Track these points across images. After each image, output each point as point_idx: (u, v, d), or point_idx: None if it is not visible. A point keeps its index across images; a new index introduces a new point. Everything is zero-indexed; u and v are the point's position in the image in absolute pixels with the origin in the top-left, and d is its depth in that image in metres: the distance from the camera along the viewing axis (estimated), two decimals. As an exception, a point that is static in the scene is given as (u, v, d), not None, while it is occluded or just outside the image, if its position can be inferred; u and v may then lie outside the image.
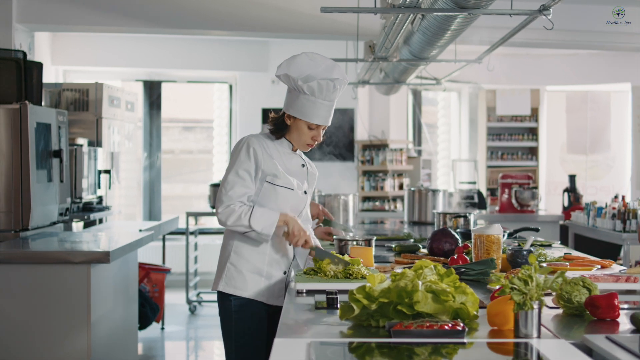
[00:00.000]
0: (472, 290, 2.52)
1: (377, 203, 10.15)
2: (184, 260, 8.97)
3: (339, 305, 2.78)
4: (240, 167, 3.48)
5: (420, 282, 2.44)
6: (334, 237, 4.22)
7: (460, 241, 4.19)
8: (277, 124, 3.57)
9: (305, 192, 3.63)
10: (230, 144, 11.07)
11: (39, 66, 5.91)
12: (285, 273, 3.60)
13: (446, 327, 2.29)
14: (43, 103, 6.06)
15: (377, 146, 10.45)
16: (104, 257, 4.51)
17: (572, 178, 9.44)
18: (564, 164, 12.00)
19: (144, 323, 6.88)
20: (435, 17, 4.87)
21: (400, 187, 10.25)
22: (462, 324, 2.33)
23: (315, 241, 3.55)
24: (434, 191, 6.83)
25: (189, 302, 8.75)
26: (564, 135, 12.07)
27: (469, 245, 3.98)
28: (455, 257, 3.68)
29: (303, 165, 3.65)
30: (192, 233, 9.03)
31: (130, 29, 8.24)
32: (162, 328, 7.83)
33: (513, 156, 11.47)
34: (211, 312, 8.80)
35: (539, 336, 2.32)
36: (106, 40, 10.23)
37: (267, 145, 3.53)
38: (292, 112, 3.50)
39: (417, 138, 11.54)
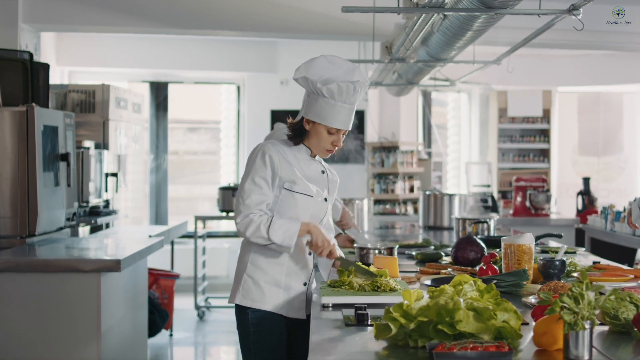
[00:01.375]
0: (514, 307, 2.36)
1: (388, 206, 9.99)
2: (191, 264, 8.82)
3: (369, 322, 2.64)
4: (257, 174, 3.32)
5: (461, 300, 2.28)
6: (355, 245, 4.08)
7: (485, 249, 4.03)
8: (296, 129, 3.42)
9: (326, 200, 3.48)
10: (237, 145, 10.92)
11: (45, 67, 5.76)
12: (305, 284, 3.44)
13: (492, 348, 2.13)
14: (49, 105, 5.90)
15: (388, 148, 10.28)
16: (114, 266, 4.37)
17: (586, 181, 9.27)
18: (575, 166, 11.84)
19: (153, 330, 6.74)
20: (458, 17, 4.70)
21: (411, 189, 10.09)
22: (507, 345, 2.17)
23: (339, 252, 3.39)
24: (450, 195, 6.67)
25: (197, 307, 8.60)
26: (575, 137, 11.91)
27: (496, 254, 3.83)
28: (484, 268, 3.53)
29: (323, 172, 3.50)
30: (200, 237, 8.88)
31: (136, 29, 8.08)
32: (171, 334, 7.67)
33: (525, 158, 11.31)
34: (220, 317, 8.65)
35: (590, 358, 2.17)
36: (112, 40, 10.06)
37: (284, 152, 3.38)
38: (310, 116, 3.34)
39: (427, 140, 11.38)
